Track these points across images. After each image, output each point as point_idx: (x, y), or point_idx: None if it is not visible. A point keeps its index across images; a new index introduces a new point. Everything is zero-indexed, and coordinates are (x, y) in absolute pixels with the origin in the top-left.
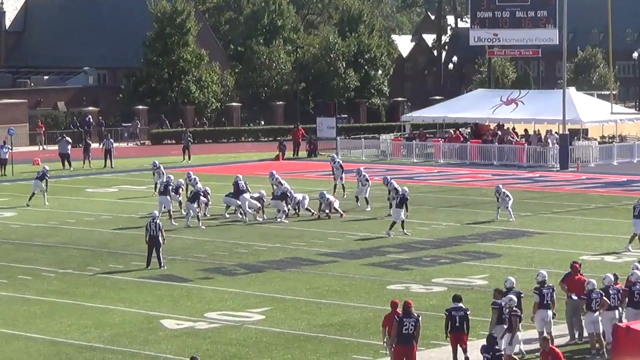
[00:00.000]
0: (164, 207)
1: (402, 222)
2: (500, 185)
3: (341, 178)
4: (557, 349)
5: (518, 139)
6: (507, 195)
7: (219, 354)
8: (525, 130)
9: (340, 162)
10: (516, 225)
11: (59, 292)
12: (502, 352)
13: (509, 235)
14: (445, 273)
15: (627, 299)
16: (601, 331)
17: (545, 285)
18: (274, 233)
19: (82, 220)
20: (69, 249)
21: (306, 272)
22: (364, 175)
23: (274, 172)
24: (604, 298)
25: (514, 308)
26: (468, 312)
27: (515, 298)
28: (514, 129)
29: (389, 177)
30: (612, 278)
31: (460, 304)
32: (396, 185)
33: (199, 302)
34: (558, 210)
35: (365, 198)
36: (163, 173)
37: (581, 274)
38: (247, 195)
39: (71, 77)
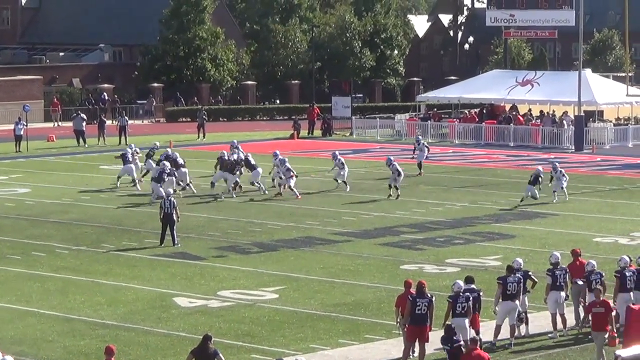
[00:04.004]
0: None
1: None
2: (557, 164)
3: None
4: (483, 353)
5: (533, 120)
6: (564, 175)
7: (231, 332)
8: (541, 112)
9: (342, 160)
10: (530, 206)
11: (72, 268)
12: (461, 343)
13: (523, 217)
14: (459, 254)
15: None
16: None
17: (558, 267)
18: (289, 212)
19: (97, 197)
20: (83, 226)
21: (320, 252)
22: (340, 160)
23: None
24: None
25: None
26: (480, 293)
27: (460, 283)
28: (529, 110)
29: (392, 158)
30: (628, 260)
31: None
32: (398, 167)
33: (212, 281)
34: (572, 192)
35: (344, 181)
36: (241, 153)
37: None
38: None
39: (87, 54)
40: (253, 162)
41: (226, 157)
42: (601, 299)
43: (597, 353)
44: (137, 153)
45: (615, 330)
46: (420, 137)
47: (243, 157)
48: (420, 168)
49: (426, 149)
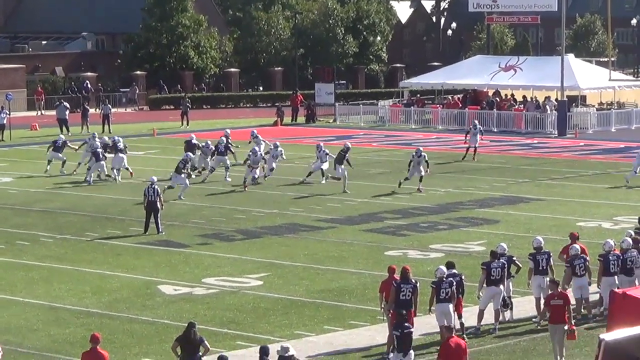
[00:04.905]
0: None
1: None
2: None
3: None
4: (460, 340)
5: (516, 106)
6: None
7: (216, 320)
8: (524, 97)
9: (327, 151)
10: (514, 191)
11: (57, 257)
12: (412, 330)
13: (506, 202)
14: (443, 239)
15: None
16: (588, 296)
17: (541, 252)
18: (273, 199)
19: (81, 185)
20: (68, 215)
21: (304, 238)
22: (324, 151)
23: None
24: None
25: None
26: (463, 277)
27: (443, 269)
28: (512, 95)
29: (421, 149)
30: (612, 244)
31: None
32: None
33: (196, 268)
34: (556, 177)
35: (321, 170)
36: (262, 142)
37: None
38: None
39: (69, 42)
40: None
41: (194, 141)
42: (559, 290)
43: (556, 347)
44: (67, 144)
45: (572, 323)
46: (476, 121)
47: (263, 147)
48: (474, 152)
49: (479, 134)
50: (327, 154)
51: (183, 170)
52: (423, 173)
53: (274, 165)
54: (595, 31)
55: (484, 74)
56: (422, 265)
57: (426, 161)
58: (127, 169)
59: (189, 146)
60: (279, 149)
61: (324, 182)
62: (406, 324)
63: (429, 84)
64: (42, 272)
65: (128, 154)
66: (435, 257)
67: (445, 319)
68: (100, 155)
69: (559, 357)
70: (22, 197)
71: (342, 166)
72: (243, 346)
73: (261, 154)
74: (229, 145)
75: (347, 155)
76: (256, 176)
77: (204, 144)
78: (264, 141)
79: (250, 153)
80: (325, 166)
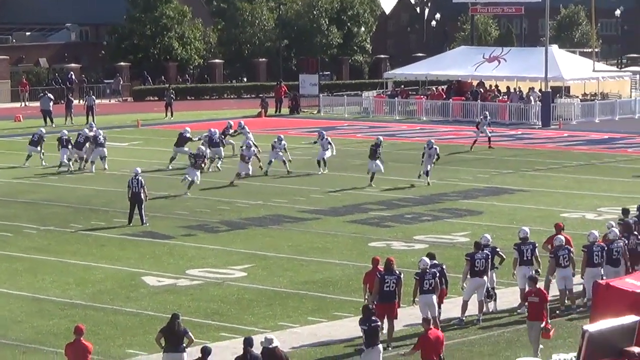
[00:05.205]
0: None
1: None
2: None
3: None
4: (439, 333)
5: (500, 97)
6: None
7: (200, 311)
8: (508, 88)
9: (329, 139)
10: (498, 182)
11: (40, 249)
12: (378, 323)
13: (490, 193)
14: (427, 230)
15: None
16: (572, 287)
17: (526, 242)
18: (257, 190)
19: (64, 177)
20: (51, 206)
21: (288, 229)
22: (327, 139)
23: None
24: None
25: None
26: (444, 268)
27: (427, 260)
28: (496, 86)
29: (433, 141)
30: (597, 235)
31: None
32: (438, 151)
33: (180, 259)
34: (540, 168)
35: (324, 159)
36: (248, 132)
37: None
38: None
39: (53, 33)
40: (217, 140)
41: (188, 135)
42: (537, 287)
43: (533, 344)
44: (43, 140)
45: (548, 321)
46: (486, 112)
47: (252, 139)
48: (489, 141)
49: (487, 125)
50: (329, 142)
51: (195, 164)
52: (429, 168)
53: (283, 158)
54: (579, 22)
55: (468, 65)
56: (406, 257)
57: (437, 154)
58: (92, 161)
59: (182, 139)
60: (283, 142)
61: (324, 171)
62: (373, 318)
63: (413, 75)
64: (25, 264)
65: (110, 145)
66: (419, 248)
67: (429, 310)
68: (64, 142)
69: (534, 354)
70: (6, 188)
71: (377, 161)
72: (227, 337)
73: (253, 150)
74: (222, 137)
75: (378, 149)
76: (249, 171)
77: (206, 133)
78: (249, 133)
79: (245, 147)
80: (327, 154)
